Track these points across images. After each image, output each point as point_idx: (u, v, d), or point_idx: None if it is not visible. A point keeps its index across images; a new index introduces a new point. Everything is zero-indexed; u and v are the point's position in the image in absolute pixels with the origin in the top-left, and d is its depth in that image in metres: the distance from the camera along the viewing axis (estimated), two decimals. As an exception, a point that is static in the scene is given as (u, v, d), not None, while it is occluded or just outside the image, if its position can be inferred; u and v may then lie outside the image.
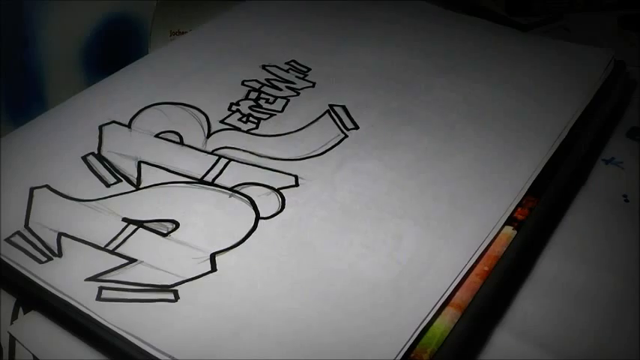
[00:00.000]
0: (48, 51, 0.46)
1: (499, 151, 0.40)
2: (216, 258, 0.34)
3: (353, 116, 0.42)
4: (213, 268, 0.33)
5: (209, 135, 0.41)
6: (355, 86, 0.45)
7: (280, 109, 0.43)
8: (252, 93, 0.44)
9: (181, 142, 0.40)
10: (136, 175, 0.38)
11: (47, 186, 0.37)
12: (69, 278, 0.32)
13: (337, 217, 0.36)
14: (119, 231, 0.35)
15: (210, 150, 0.40)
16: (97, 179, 0.38)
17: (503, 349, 0.35)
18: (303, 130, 0.41)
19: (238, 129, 0.41)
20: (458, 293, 0.32)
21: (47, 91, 0.47)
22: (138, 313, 0.31)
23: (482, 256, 0.34)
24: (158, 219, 0.35)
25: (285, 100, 0.44)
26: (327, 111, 0.43)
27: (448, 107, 0.43)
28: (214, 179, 0.38)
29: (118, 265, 0.33)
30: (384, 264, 0.33)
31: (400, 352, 0.30)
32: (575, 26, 0.60)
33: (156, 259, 0.33)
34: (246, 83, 0.45)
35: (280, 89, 0.45)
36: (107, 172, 0.38)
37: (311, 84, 0.45)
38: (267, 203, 0.36)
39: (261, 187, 0.37)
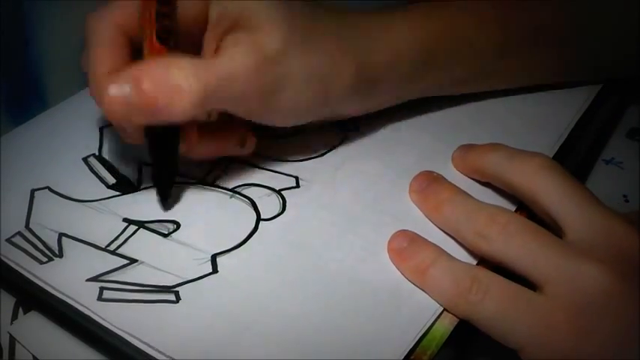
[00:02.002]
0: (48, 51, 0.46)
1: (499, 151, 0.40)
2: (217, 259, 0.34)
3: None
4: (214, 270, 0.33)
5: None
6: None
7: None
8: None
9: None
10: (136, 176, 0.38)
11: (48, 187, 0.37)
12: (70, 279, 0.33)
13: (338, 218, 0.36)
14: (120, 231, 0.35)
15: (210, 151, 0.40)
16: (98, 180, 0.38)
17: (502, 351, 0.35)
18: (304, 131, 0.41)
19: (239, 130, 0.41)
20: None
21: (47, 91, 0.47)
22: (139, 314, 0.31)
23: (484, 258, 0.34)
24: (159, 219, 0.36)
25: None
26: (328, 111, 0.43)
27: (449, 108, 0.43)
28: (215, 180, 0.38)
29: (119, 265, 0.33)
30: (385, 266, 0.33)
31: (403, 354, 0.30)
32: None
33: (157, 259, 0.34)
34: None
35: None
36: (108, 174, 0.38)
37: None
38: (268, 204, 0.36)
39: (261, 189, 0.37)
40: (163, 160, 0.35)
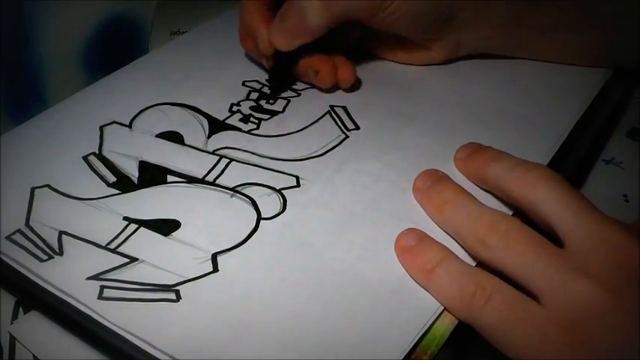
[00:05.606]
0: (48, 51, 0.46)
1: (500, 151, 0.40)
2: (218, 258, 0.34)
3: (354, 117, 0.42)
4: (215, 269, 0.33)
5: (210, 135, 0.41)
6: (356, 87, 0.45)
7: (281, 110, 0.43)
8: (252, 93, 0.44)
9: (182, 143, 0.40)
10: (137, 175, 0.38)
11: (48, 185, 0.37)
12: (70, 277, 0.32)
13: (338, 218, 0.36)
14: (120, 230, 0.35)
15: (211, 150, 0.40)
16: (98, 178, 0.38)
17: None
18: (304, 130, 0.41)
19: (239, 129, 0.41)
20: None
21: (47, 91, 0.47)
22: (139, 313, 0.31)
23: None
24: (159, 218, 0.35)
25: (286, 101, 0.44)
26: (328, 111, 0.43)
27: (449, 108, 0.43)
28: (215, 179, 0.38)
29: (120, 264, 0.33)
30: (386, 265, 0.33)
31: (403, 353, 0.30)
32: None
33: (157, 258, 0.33)
34: (246, 84, 0.45)
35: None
36: (108, 172, 0.38)
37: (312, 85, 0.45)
38: (269, 204, 0.36)
39: (262, 188, 0.37)
40: (282, 64, 0.43)
